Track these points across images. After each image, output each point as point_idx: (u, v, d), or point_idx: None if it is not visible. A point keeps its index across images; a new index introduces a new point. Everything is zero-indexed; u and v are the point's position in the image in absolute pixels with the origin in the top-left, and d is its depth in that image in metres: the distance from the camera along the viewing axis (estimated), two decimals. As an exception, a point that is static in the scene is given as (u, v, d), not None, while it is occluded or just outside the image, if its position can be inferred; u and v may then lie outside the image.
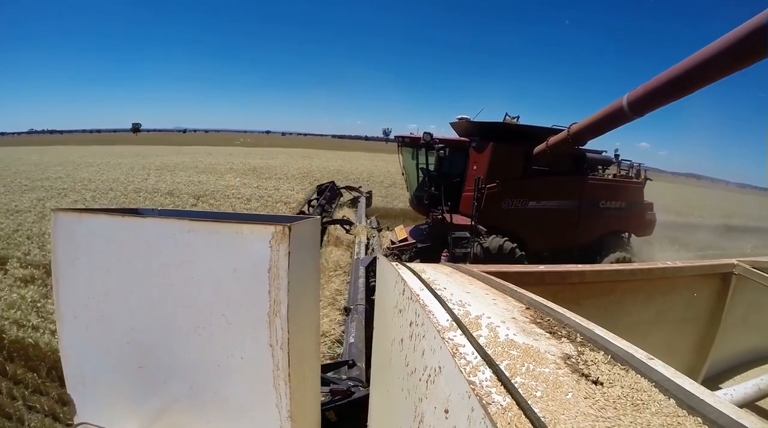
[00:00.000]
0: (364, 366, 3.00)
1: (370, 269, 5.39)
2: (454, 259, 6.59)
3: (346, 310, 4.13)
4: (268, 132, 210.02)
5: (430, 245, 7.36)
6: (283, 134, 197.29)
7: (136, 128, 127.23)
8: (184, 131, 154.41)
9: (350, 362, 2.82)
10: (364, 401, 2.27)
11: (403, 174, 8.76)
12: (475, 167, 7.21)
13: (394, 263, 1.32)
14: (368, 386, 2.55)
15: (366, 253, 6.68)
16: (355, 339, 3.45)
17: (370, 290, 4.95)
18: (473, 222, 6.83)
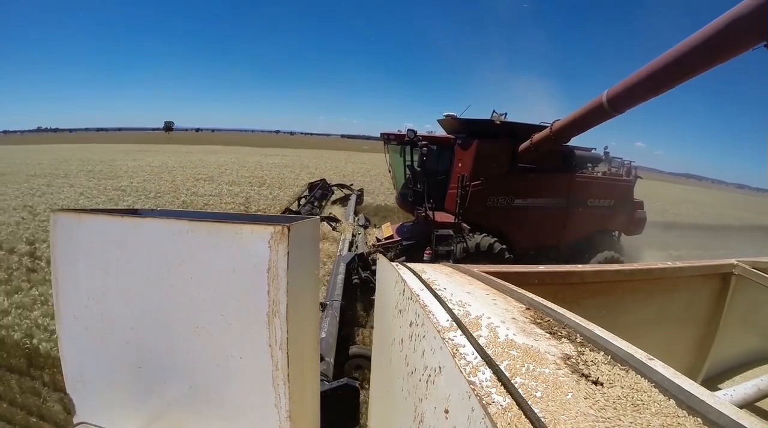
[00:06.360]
0: (332, 361, 3.01)
1: (351, 266, 5.40)
2: (437, 257, 6.53)
3: (322, 306, 4.09)
4: (277, 131, 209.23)
5: (414, 243, 7.29)
6: (291, 134, 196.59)
7: (168, 127, 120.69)
8: (197, 130, 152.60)
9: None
10: (328, 396, 2.24)
11: (389, 171, 8.70)
12: (460, 164, 7.12)
13: (394, 263, 1.32)
14: (333, 381, 2.58)
15: (349, 250, 6.68)
16: (327, 334, 3.41)
17: (351, 287, 4.92)
18: (457, 220, 6.77)
